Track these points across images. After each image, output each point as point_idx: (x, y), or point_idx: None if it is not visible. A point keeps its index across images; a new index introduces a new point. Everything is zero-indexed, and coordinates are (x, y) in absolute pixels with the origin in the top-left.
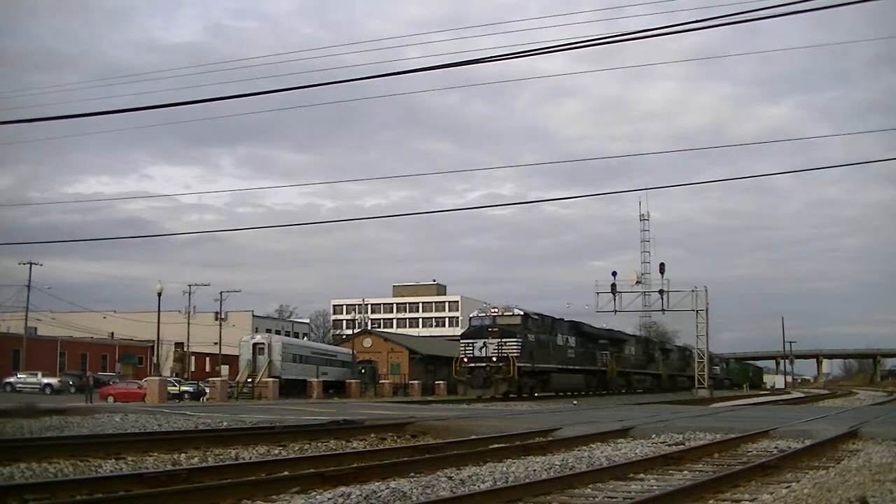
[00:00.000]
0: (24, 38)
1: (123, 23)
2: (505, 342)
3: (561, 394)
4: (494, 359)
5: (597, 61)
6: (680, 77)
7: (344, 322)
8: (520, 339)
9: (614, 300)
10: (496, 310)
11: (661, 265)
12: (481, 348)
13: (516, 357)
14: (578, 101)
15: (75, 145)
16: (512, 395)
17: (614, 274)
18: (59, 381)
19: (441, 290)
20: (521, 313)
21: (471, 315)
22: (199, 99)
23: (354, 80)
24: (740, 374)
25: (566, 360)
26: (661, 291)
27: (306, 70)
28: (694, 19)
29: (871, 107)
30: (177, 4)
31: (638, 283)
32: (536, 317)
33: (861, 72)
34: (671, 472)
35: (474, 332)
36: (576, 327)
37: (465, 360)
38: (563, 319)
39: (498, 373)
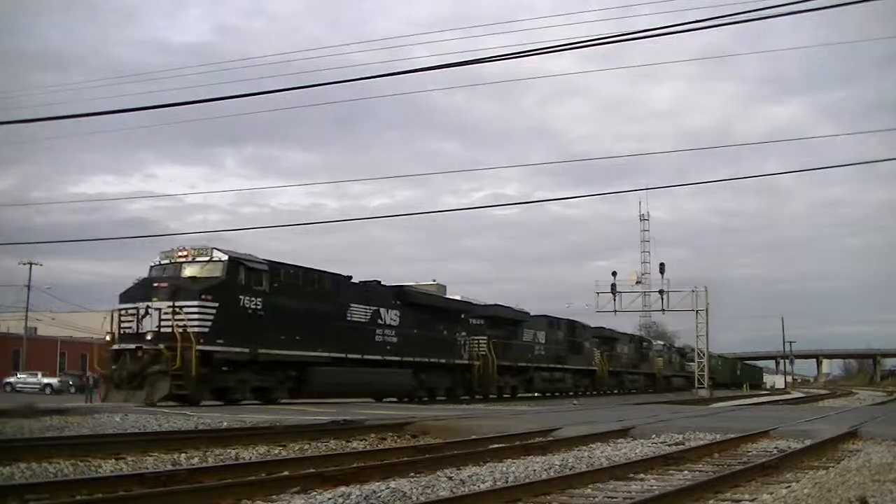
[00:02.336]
0: (31, 38)
1: (131, 23)
2: (181, 307)
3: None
4: (150, 337)
5: (604, 61)
6: (687, 77)
7: None
8: (211, 303)
9: (614, 300)
10: (184, 253)
11: (661, 265)
12: (143, 318)
13: (199, 334)
14: (585, 100)
15: (80, 145)
16: (203, 403)
17: (614, 274)
18: (59, 381)
19: (441, 289)
20: (226, 258)
21: (151, 263)
22: (205, 98)
23: (360, 79)
24: (726, 371)
25: (367, 347)
26: (661, 291)
27: (313, 69)
28: (701, 18)
29: (878, 107)
30: (184, 4)
31: (638, 283)
32: (264, 266)
33: (868, 71)
34: (671, 472)
35: (138, 290)
36: (399, 296)
37: (109, 339)
38: (374, 283)
39: (155, 362)
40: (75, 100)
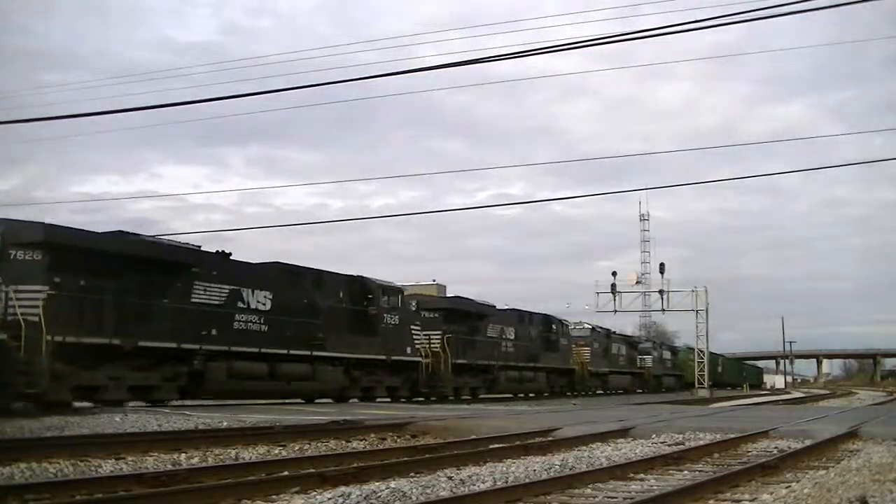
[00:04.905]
0: (38, 38)
1: (138, 22)
2: None
3: None
4: None
5: (610, 61)
6: (694, 76)
7: None
8: None
9: (614, 300)
10: None
11: (661, 265)
12: None
13: None
14: (591, 100)
15: (85, 144)
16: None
17: (614, 274)
18: None
19: (441, 290)
20: None
21: None
22: (210, 97)
23: (366, 77)
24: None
25: None
26: (660, 291)
27: (320, 68)
28: (707, 17)
29: (884, 106)
30: (192, 3)
31: (638, 283)
32: None
33: (875, 71)
34: (671, 472)
35: None
36: None
37: None
38: None
39: None
40: (80, 99)
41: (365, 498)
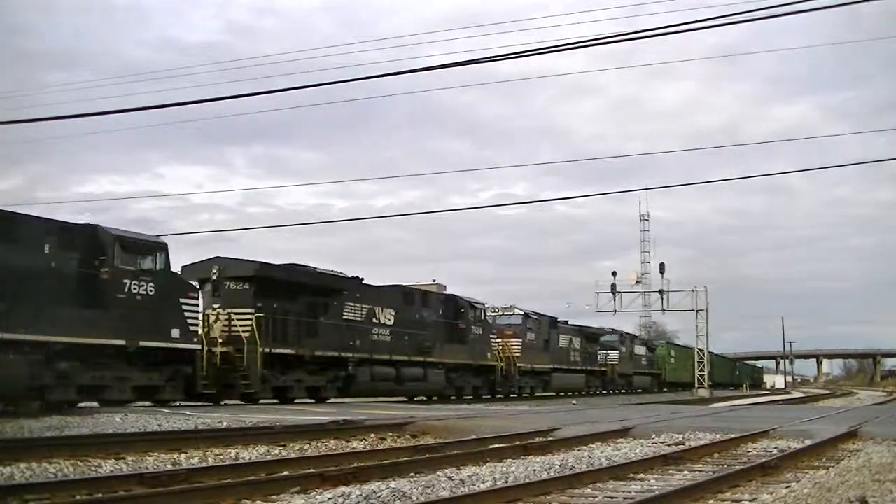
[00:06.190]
0: (41, 37)
1: (142, 22)
2: None
3: None
4: None
5: (615, 60)
6: (697, 77)
7: None
8: None
9: (614, 300)
10: None
11: (661, 265)
12: None
13: None
14: (595, 100)
15: (88, 144)
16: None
17: (614, 274)
18: None
19: (441, 289)
20: None
21: None
22: (214, 97)
23: (370, 77)
24: (682, 366)
25: None
26: (660, 291)
27: (323, 68)
28: (711, 17)
29: (887, 106)
30: (196, 3)
31: (638, 283)
32: None
33: (879, 71)
34: (671, 472)
35: None
36: None
37: None
38: None
39: None
40: (84, 99)
41: (365, 498)
